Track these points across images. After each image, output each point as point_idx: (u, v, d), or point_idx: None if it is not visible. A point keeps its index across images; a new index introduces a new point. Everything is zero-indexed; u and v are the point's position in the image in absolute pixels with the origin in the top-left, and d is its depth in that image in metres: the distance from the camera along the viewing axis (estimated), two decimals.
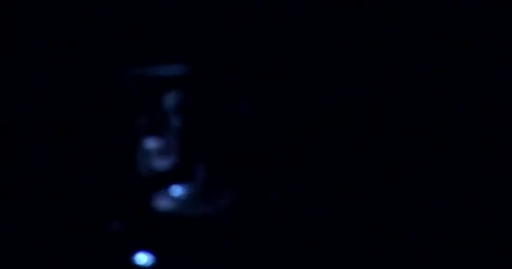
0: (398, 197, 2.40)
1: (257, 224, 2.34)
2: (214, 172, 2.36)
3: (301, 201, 2.39)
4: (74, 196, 2.36)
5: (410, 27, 2.47)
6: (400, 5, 2.47)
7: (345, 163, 2.43)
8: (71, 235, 2.31)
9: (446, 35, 2.47)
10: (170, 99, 2.33)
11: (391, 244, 2.34)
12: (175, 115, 2.31)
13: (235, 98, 2.43)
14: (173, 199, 2.34)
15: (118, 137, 2.40)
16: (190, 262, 2.28)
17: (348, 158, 2.44)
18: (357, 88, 2.48)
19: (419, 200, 2.39)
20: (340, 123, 2.46)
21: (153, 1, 2.47)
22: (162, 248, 2.30)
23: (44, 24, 2.45)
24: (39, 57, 2.44)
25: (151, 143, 2.28)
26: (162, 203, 2.32)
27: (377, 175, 2.42)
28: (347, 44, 2.49)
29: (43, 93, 2.43)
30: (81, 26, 2.45)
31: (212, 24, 2.46)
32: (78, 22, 2.46)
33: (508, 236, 2.32)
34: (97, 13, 2.46)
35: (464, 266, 2.31)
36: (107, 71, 2.43)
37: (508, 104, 2.43)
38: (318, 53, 2.49)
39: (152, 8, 2.45)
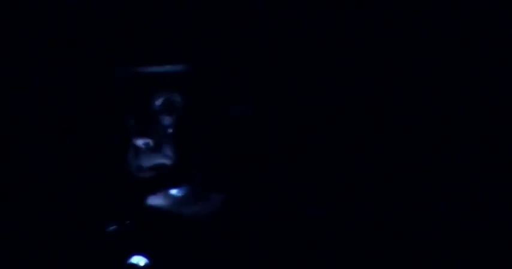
0: (398, 197, 2.40)
1: (256, 224, 2.34)
2: (211, 171, 2.35)
3: (301, 201, 2.39)
4: (71, 196, 2.36)
5: (410, 27, 2.47)
6: (400, 5, 2.47)
7: (345, 163, 2.43)
8: (67, 234, 2.31)
9: (446, 35, 2.47)
10: (168, 99, 2.32)
11: (391, 244, 2.33)
12: (174, 115, 2.30)
13: (235, 97, 2.44)
14: (169, 198, 2.33)
15: (117, 137, 2.40)
16: (187, 261, 2.28)
17: (348, 158, 2.44)
18: (357, 88, 2.48)
19: (419, 200, 2.39)
20: (340, 123, 2.46)
21: (153, 1, 2.47)
22: (157, 247, 2.30)
23: (44, 24, 2.45)
24: (39, 57, 2.45)
25: (148, 143, 2.27)
26: (158, 202, 2.32)
27: (377, 175, 2.42)
28: (347, 44, 2.49)
29: (43, 93, 2.43)
30: (81, 26, 2.46)
31: (212, 24, 2.46)
32: (78, 22, 2.46)
33: (508, 236, 2.32)
34: (97, 13, 2.46)
35: (464, 266, 2.31)
36: (106, 71, 2.43)
37: (508, 104, 2.44)
38: (318, 53, 2.49)
39: (152, 8, 2.45)
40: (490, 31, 2.45)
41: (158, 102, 2.29)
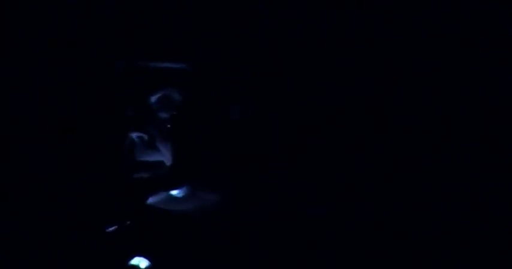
0: (398, 197, 2.40)
1: (256, 224, 2.34)
2: (211, 171, 2.35)
3: (301, 201, 2.39)
4: (71, 196, 2.36)
5: (410, 27, 2.47)
6: (400, 5, 2.47)
7: (345, 163, 2.43)
8: (67, 234, 2.31)
9: (446, 35, 2.47)
10: (166, 95, 2.32)
11: (391, 244, 2.34)
12: (171, 111, 2.30)
13: (235, 97, 2.44)
14: (169, 198, 2.33)
15: (117, 137, 2.40)
16: (187, 261, 2.28)
17: (348, 158, 2.44)
18: (357, 88, 2.48)
19: (420, 200, 2.39)
20: (340, 123, 2.46)
21: (153, 1, 2.47)
22: (157, 247, 2.30)
23: (44, 24, 2.45)
24: (39, 57, 2.44)
25: (142, 137, 2.26)
26: (158, 203, 2.32)
27: (377, 175, 2.42)
28: (347, 44, 2.49)
29: (43, 93, 2.43)
30: (81, 26, 2.45)
31: (212, 24, 2.46)
32: (78, 22, 2.46)
33: (508, 236, 2.32)
34: (97, 13, 2.46)
35: (464, 266, 2.31)
36: (106, 69, 2.43)
37: (508, 104, 2.44)
38: (318, 53, 2.49)
39: (152, 8, 2.45)
40: (490, 31, 2.46)
41: (155, 98, 2.28)
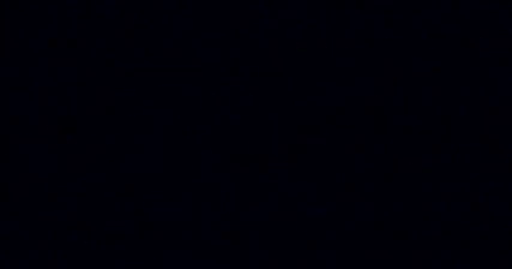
0: (398, 197, 2.40)
1: (256, 224, 2.34)
2: (211, 171, 2.36)
3: (301, 201, 2.39)
4: (71, 196, 2.36)
5: (410, 27, 2.48)
6: (400, 5, 2.47)
7: (345, 163, 2.43)
8: (67, 234, 2.31)
9: (446, 35, 2.47)
10: (167, 98, 2.32)
11: (391, 244, 2.34)
12: (172, 114, 2.31)
13: (235, 98, 2.44)
14: (168, 198, 2.34)
15: (116, 137, 2.40)
16: (187, 261, 2.28)
17: (348, 158, 2.44)
18: (356, 88, 2.48)
19: (419, 200, 2.39)
20: (340, 124, 2.46)
21: (153, 1, 2.47)
22: (157, 248, 2.30)
23: (44, 24, 2.45)
24: (39, 57, 2.45)
25: (144, 144, 2.28)
26: (157, 202, 2.32)
27: (377, 175, 2.42)
28: (347, 44, 2.50)
29: (43, 93, 2.43)
30: (81, 26, 2.46)
31: (212, 24, 2.46)
32: (78, 22, 2.46)
33: (508, 236, 2.33)
34: (97, 13, 2.46)
35: (464, 266, 2.31)
36: (106, 71, 2.43)
37: (508, 104, 2.44)
38: (318, 53, 2.49)
39: (152, 8, 2.46)
40: (490, 31, 2.46)
41: (156, 101, 2.29)
